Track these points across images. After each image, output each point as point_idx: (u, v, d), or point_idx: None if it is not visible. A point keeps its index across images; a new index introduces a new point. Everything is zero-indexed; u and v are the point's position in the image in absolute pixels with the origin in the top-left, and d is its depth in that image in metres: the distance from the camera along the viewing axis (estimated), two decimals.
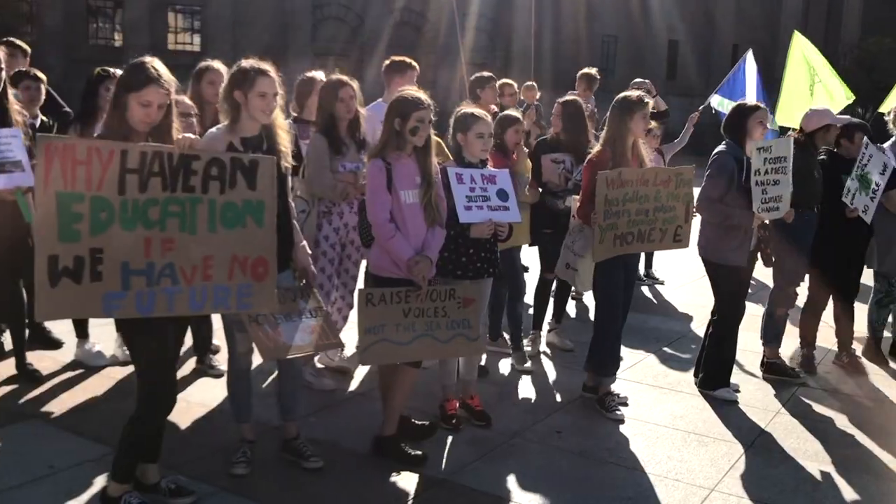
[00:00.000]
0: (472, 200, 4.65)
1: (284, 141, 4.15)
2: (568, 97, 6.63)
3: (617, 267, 5.23)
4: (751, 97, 8.75)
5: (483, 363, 6.06)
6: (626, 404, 5.46)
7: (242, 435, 4.32)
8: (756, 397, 5.73)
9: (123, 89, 3.54)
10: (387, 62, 6.32)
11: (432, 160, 4.51)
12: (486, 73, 8.00)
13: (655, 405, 5.51)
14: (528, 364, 6.06)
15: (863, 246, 6.40)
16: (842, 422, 5.38)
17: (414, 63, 6.23)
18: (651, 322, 7.64)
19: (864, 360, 6.57)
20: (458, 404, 5.05)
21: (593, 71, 8.88)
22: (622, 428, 5.10)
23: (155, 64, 3.57)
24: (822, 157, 6.35)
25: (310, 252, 4.35)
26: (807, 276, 6.43)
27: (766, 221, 5.50)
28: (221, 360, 5.51)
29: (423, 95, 4.44)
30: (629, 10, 38.21)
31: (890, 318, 6.88)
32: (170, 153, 3.55)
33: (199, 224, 3.64)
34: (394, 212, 4.39)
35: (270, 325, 3.99)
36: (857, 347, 6.66)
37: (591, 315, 7.51)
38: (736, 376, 6.09)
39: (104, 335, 5.77)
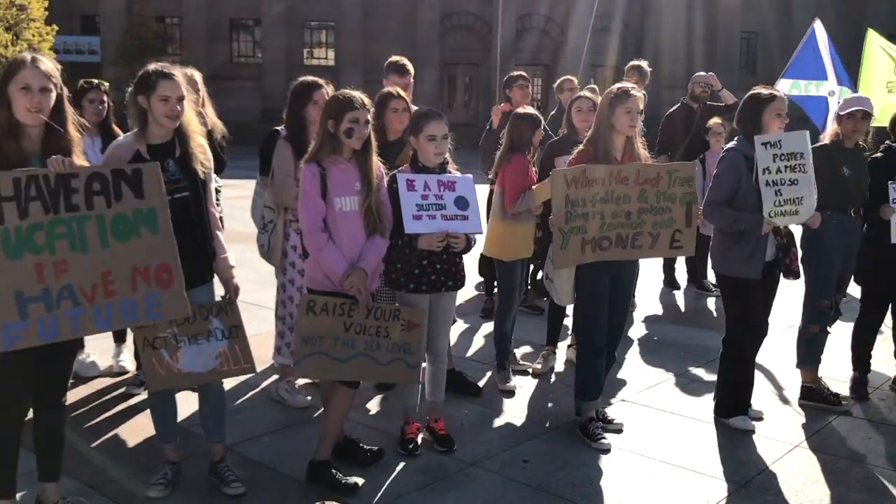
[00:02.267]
0: (423, 209, 4.30)
1: (199, 146, 3.96)
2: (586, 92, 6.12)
3: (600, 278, 4.72)
4: (830, 74, 7.79)
5: (482, 383, 5.70)
6: (620, 431, 4.92)
7: (165, 456, 4.14)
8: (780, 427, 5.03)
9: (3, 82, 3.43)
10: (387, 62, 6.07)
11: (373, 164, 4.19)
12: (515, 73, 7.62)
13: (656, 434, 4.92)
14: (511, 384, 5.60)
15: None
16: (875, 460, 4.61)
17: (409, 67, 5.93)
18: (694, 337, 6.95)
19: None
20: (419, 428, 4.69)
21: (643, 63, 8.20)
22: (603, 459, 4.57)
23: (34, 54, 3.49)
24: (878, 153, 5.54)
25: (233, 265, 4.12)
26: (858, 289, 5.64)
27: (782, 227, 4.80)
28: None
29: (357, 95, 4.14)
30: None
31: None
32: (45, 175, 3.42)
33: (91, 242, 3.52)
34: (328, 220, 4.11)
35: (170, 349, 3.80)
36: None
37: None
38: (768, 401, 5.42)
39: (102, 346, 5.80)
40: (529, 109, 5.66)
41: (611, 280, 4.77)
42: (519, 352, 6.38)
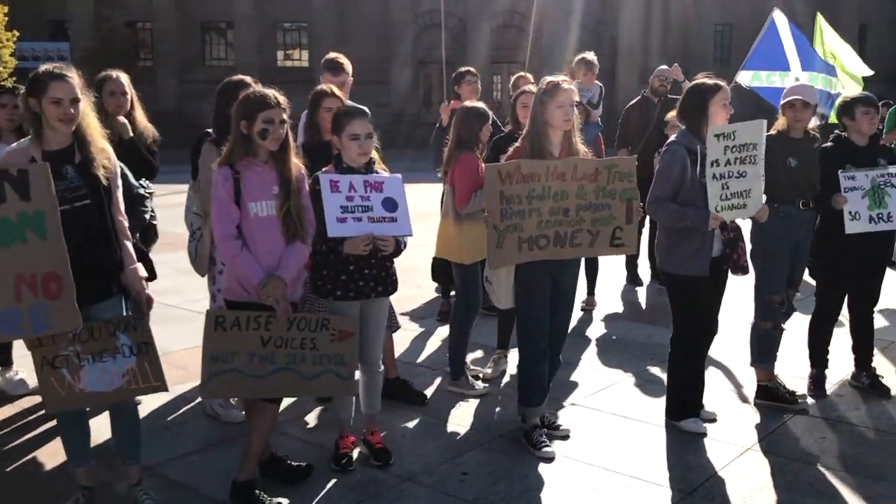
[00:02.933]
0: (347, 211, 4.07)
1: (101, 150, 3.73)
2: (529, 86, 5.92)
3: (540, 279, 4.52)
4: (794, 64, 7.59)
5: (432, 389, 5.48)
6: (566, 437, 4.72)
7: (78, 480, 3.90)
8: (733, 429, 4.84)
9: None
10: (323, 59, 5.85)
11: (291, 166, 3.97)
12: (464, 69, 7.41)
13: (604, 440, 4.73)
14: (478, 388, 5.42)
15: (883, 244, 5.35)
16: (828, 461, 4.43)
17: (346, 65, 5.70)
18: (653, 335, 6.74)
19: (889, 381, 5.50)
20: (353, 442, 4.47)
21: (590, 55, 8.00)
22: (546, 469, 4.37)
23: None
24: (829, 143, 5.37)
25: (145, 275, 3.88)
26: (813, 283, 5.47)
27: (729, 222, 4.61)
28: None
29: (271, 93, 3.91)
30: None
31: None
32: None
33: None
34: (242, 226, 3.88)
35: (72, 368, 3.57)
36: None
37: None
38: (723, 402, 5.25)
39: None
40: (477, 104, 5.45)
41: (552, 281, 4.57)
42: (471, 356, 6.17)
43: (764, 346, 5.23)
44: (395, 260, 4.35)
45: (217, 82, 5.23)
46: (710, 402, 5.16)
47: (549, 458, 4.45)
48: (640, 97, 8.59)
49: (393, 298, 4.55)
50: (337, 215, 4.03)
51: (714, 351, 6.22)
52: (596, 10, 36.61)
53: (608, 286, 8.20)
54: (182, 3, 35.14)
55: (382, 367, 4.56)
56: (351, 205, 4.09)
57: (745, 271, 4.72)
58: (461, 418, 5.06)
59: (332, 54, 5.84)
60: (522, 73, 8.42)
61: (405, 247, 4.29)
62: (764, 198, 4.66)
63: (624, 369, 5.96)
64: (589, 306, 7.69)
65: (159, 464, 4.37)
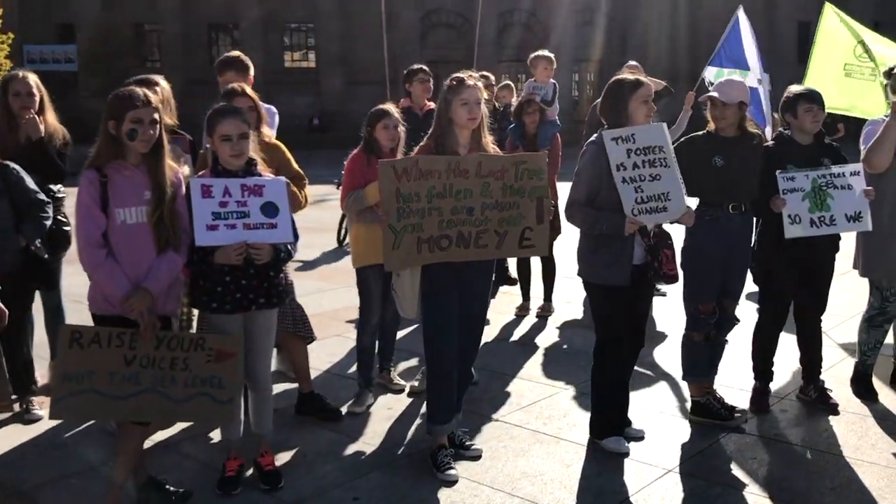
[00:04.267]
0: (220, 218, 3.79)
1: None
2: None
3: (446, 288, 4.22)
4: (753, 63, 7.28)
5: (346, 409, 5.16)
6: (476, 458, 4.41)
7: None
8: (659, 448, 4.51)
9: None
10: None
11: (165, 169, 3.70)
12: (416, 66, 7.14)
13: (516, 461, 4.41)
14: (362, 407, 5.12)
15: (828, 249, 4.98)
16: (752, 486, 4.08)
17: (246, 61, 5.46)
18: None
19: (839, 395, 5.14)
20: (242, 464, 4.18)
21: (544, 52, 7.66)
22: (445, 493, 4.06)
23: None
24: (770, 141, 5.03)
25: None
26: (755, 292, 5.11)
27: (650, 227, 4.29)
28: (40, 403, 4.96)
29: (141, 91, 3.65)
30: None
31: (890, 339, 5.38)
32: None
33: None
34: (108, 234, 3.62)
35: None
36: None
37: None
38: (656, 418, 4.92)
39: None
40: (385, 105, 5.16)
41: (460, 291, 4.26)
42: (405, 364, 5.90)
43: (694, 360, 4.88)
44: (343, 265, 4.08)
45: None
46: (643, 417, 4.86)
47: (451, 482, 4.15)
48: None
49: (341, 307, 4.29)
50: (207, 222, 3.75)
51: (656, 362, 5.96)
52: (606, 10, 36.28)
53: (569, 291, 7.85)
54: (188, 4, 35.14)
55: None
56: (224, 211, 3.81)
57: (670, 280, 4.39)
58: (373, 436, 4.76)
59: (234, 52, 5.59)
60: (485, 73, 8.15)
61: (289, 255, 4.00)
62: (688, 200, 4.34)
63: (565, 381, 5.63)
64: (545, 312, 7.37)
65: (38, 485, 4.12)
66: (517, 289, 7.67)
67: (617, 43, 36.08)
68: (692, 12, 35.84)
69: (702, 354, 4.85)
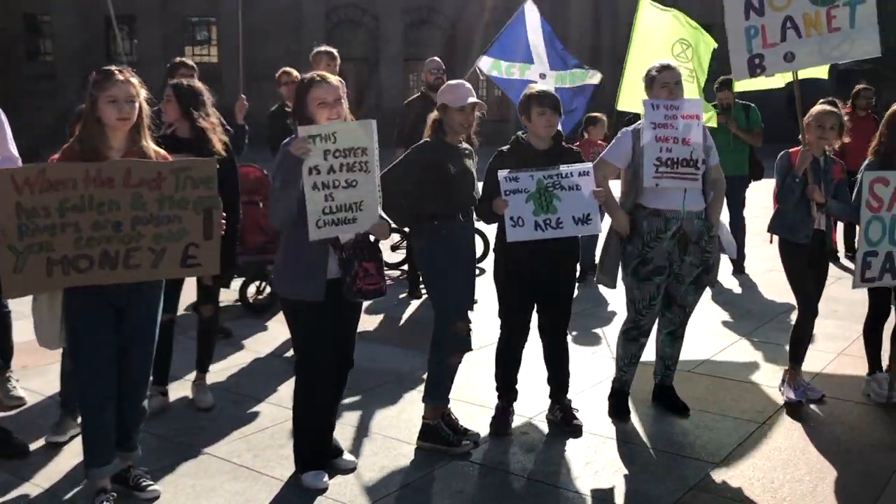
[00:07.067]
0: None
1: None
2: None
3: (93, 311, 3.67)
4: (539, 58, 6.98)
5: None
6: (153, 500, 3.91)
7: None
8: (365, 482, 4.07)
9: None
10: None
11: None
12: (284, 69, 6.72)
13: (198, 501, 3.92)
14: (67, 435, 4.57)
15: (565, 255, 4.62)
16: None
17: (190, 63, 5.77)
18: (393, 360, 5.95)
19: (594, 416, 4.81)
20: None
21: (324, 47, 7.16)
22: None
23: None
24: (506, 146, 4.67)
25: None
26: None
27: (343, 239, 3.87)
28: None
29: None
30: None
31: (651, 356, 5.07)
32: None
33: None
34: None
35: None
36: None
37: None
38: (381, 443, 4.47)
39: None
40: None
41: (116, 313, 3.73)
42: None
43: (441, 381, 4.47)
44: None
45: None
46: (367, 444, 4.45)
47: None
48: (419, 93, 7.89)
49: None
50: None
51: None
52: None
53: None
54: None
55: None
56: None
57: (366, 296, 3.98)
58: (50, 475, 4.20)
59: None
60: (286, 70, 7.63)
61: None
62: (380, 210, 3.93)
63: None
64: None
65: None
66: None
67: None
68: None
69: (452, 377, 4.48)
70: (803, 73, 6.65)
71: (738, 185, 8.47)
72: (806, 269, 5.01)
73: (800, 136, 4.99)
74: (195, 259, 3.75)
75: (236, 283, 7.44)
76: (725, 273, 8.90)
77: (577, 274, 5.15)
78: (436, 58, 7.77)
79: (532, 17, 7.09)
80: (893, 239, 4.62)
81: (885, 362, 5.12)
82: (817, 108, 5.01)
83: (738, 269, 8.81)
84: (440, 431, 4.44)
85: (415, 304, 7.72)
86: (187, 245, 3.73)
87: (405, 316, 7.39)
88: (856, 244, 4.81)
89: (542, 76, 6.96)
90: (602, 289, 7.61)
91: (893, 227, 4.60)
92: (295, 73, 7.56)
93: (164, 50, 33.53)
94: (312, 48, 7.14)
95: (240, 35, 7.81)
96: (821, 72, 8.11)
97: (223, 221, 3.85)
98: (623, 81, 7.68)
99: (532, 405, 4.95)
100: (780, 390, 5.20)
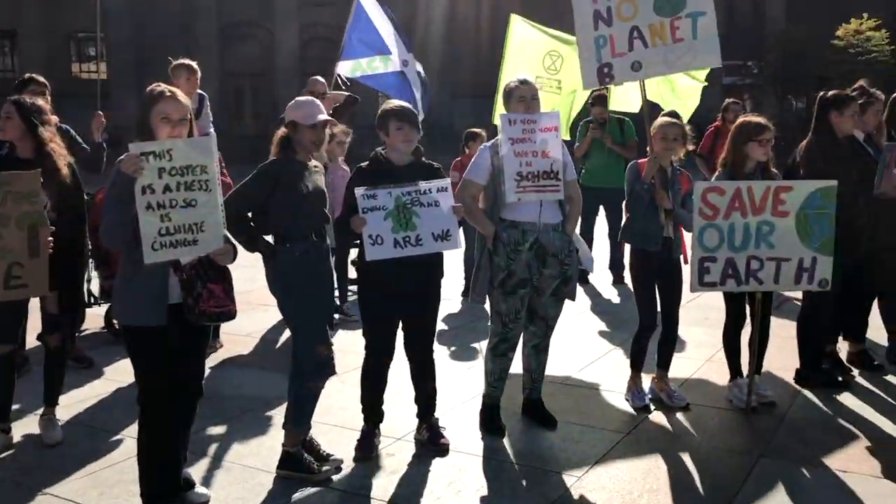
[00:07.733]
0: None
1: None
2: None
3: None
4: (394, 45, 6.94)
5: None
6: None
7: None
8: None
9: None
10: None
11: None
12: (184, 61, 6.38)
13: None
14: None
15: (424, 269, 4.53)
16: None
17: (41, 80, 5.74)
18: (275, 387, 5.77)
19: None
20: None
21: (187, 60, 6.92)
22: None
23: None
24: (365, 161, 4.58)
25: None
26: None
27: (185, 261, 3.68)
28: None
29: None
30: None
31: (518, 368, 5.04)
32: None
33: None
34: None
35: None
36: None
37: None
38: (244, 472, 4.29)
39: None
40: None
41: None
42: None
43: (305, 408, 4.31)
44: None
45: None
46: (224, 474, 4.26)
47: None
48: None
49: None
50: None
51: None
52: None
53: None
54: None
55: None
56: None
57: (210, 319, 3.79)
58: None
59: None
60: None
61: None
62: (224, 231, 3.76)
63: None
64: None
65: None
66: None
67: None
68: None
69: (313, 402, 4.33)
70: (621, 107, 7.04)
71: (620, 197, 8.62)
72: (653, 280, 5.11)
73: (647, 148, 5.10)
74: (20, 279, 3.53)
75: (102, 309, 7.13)
76: (605, 282, 9.06)
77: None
78: (318, 77, 7.62)
79: (371, 7, 7.02)
80: (734, 246, 4.73)
81: (745, 368, 5.23)
82: (660, 119, 5.17)
83: (618, 279, 8.95)
84: (300, 458, 4.29)
85: None
86: (10, 264, 3.50)
87: (281, 339, 7.19)
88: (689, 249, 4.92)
89: (405, 63, 6.91)
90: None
91: (732, 234, 4.71)
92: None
93: (49, 66, 32.36)
94: (206, 63, 6.90)
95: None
96: (695, 90, 8.39)
97: (51, 239, 3.62)
98: (497, 96, 7.72)
99: (401, 425, 4.85)
100: (625, 398, 5.28)
